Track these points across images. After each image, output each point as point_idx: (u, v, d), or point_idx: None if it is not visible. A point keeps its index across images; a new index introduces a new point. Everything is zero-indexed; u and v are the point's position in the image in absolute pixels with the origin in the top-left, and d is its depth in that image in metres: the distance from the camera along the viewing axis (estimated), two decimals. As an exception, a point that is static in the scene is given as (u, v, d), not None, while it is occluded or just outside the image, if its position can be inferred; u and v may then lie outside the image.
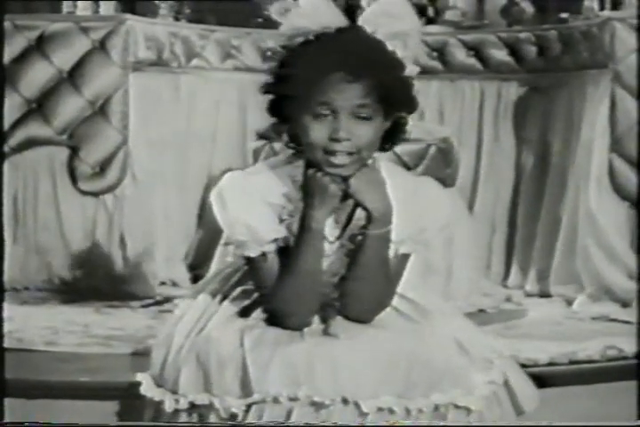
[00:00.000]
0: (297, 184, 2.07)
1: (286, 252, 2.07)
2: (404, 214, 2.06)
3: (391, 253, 2.09)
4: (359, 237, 2.07)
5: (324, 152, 2.00)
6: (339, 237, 2.10)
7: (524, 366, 2.29)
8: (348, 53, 1.99)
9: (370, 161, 2.06)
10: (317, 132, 2.00)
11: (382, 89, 2.00)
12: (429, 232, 2.12)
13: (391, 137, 2.09)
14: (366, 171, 2.04)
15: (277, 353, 2.01)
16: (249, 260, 2.09)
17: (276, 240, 2.07)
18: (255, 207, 2.06)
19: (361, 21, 2.06)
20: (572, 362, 2.88)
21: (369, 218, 2.04)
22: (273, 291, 2.07)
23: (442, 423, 2.03)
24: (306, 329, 2.07)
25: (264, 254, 2.07)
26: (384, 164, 2.11)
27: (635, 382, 2.69)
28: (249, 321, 2.09)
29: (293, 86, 1.99)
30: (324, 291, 2.08)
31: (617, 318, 3.47)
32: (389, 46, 2.04)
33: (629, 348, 2.96)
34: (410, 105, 2.07)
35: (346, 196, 2.05)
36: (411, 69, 2.06)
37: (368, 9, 2.08)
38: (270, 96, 2.07)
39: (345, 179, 2.03)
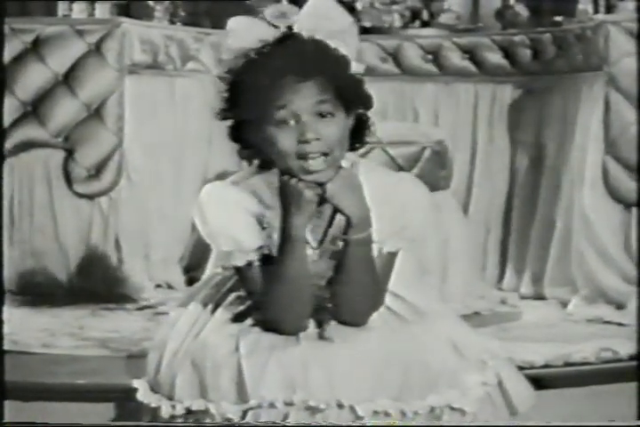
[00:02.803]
0: (275, 191, 2.06)
1: (272, 259, 2.06)
2: (383, 213, 2.06)
3: (376, 252, 2.09)
4: (341, 243, 2.07)
5: (298, 157, 2.00)
6: (321, 242, 2.10)
7: (519, 368, 2.29)
8: (292, 56, 1.99)
9: (344, 164, 2.06)
10: (285, 139, 1.99)
11: (336, 85, 2.00)
12: (412, 229, 2.11)
13: (357, 135, 2.09)
14: (343, 175, 2.03)
15: (273, 358, 2.00)
16: (237, 269, 2.09)
17: (260, 248, 2.06)
18: (236, 217, 2.06)
19: (296, 28, 2.06)
20: (566, 364, 2.88)
21: (348, 223, 2.04)
22: (263, 298, 2.06)
23: (437, 424, 2.04)
24: (302, 334, 2.07)
25: (250, 263, 2.07)
26: (362, 163, 2.12)
27: (630, 384, 2.71)
28: (244, 326, 2.09)
29: (250, 103, 1.99)
30: (315, 294, 2.08)
31: (611, 321, 3.48)
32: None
33: (624, 350, 2.97)
34: (365, 101, 2.07)
35: (324, 200, 2.04)
36: (356, 66, 2.06)
37: (300, 14, 2.08)
38: (228, 122, 2.07)
39: (321, 184, 2.02)
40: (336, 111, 2.02)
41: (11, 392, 2.53)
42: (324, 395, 1.98)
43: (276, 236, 2.05)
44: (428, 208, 2.16)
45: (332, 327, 2.08)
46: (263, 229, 2.07)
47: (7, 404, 2.47)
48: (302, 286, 2.05)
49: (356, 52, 2.09)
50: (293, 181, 2.02)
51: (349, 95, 2.03)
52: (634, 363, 2.88)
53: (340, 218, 2.07)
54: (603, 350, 2.96)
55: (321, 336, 2.07)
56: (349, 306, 2.08)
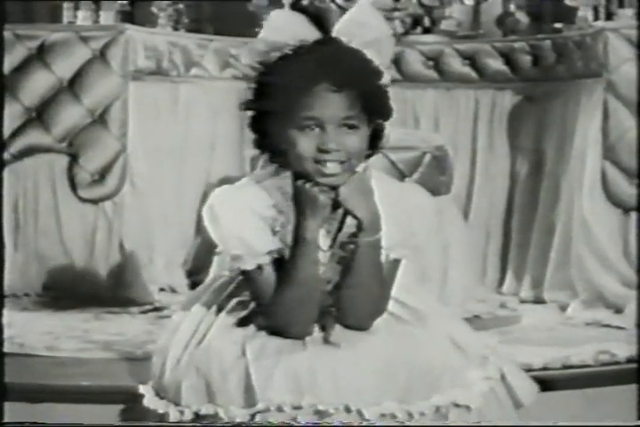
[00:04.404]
0: (286, 195, 2.08)
1: (282, 263, 2.08)
2: (391, 221, 2.08)
3: (382, 258, 2.11)
4: (351, 246, 2.09)
5: (315, 162, 2.02)
6: (331, 246, 2.12)
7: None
8: (331, 64, 2.00)
9: (359, 169, 2.07)
10: (305, 144, 2.01)
11: (366, 98, 2.02)
12: (418, 237, 2.14)
13: (372, 143, 2.11)
14: (356, 179, 2.06)
15: (280, 362, 2.02)
16: (245, 272, 2.10)
17: (270, 252, 2.08)
18: (247, 221, 2.07)
19: (335, 33, 2.08)
20: (565, 367, 2.89)
21: (359, 226, 2.06)
22: (272, 302, 2.07)
23: (447, 423, 2.06)
24: (307, 338, 2.08)
25: (260, 267, 2.08)
26: (373, 172, 2.13)
27: (628, 387, 2.73)
28: (249, 331, 2.10)
29: (277, 101, 2.01)
30: (321, 299, 2.10)
31: (610, 324, 3.49)
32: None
33: (622, 353, 2.98)
34: (388, 112, 2.10)
35: (337, 205, 2.06)
36: (386, 77, 2.09)
37: (340, 20, 2.10)
38: (251, 113, 2.10)
39: (333, 187, 2.04)
40: (361, 124, 2.04)
41: (16, 394, 2.55)
42: (332, 399, 2.00)
43: (288, 239, 2.07)
44: (433, 216, 2.19)
45: (337, 332, 2.10)
46: (275, 233, 2.09)
47: (12, 406, 2.49)
48: (312, 289, 2.07)
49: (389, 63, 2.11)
50: (308, 185, 2.03)
51: (375, 107, 2.06)
52: (632, 366, 2.89)
53: (349, 223, 2.09)
54: (601, 353, 2.97)
55: (326, 341, 2.08)
56: (355, 310, 2.10)
